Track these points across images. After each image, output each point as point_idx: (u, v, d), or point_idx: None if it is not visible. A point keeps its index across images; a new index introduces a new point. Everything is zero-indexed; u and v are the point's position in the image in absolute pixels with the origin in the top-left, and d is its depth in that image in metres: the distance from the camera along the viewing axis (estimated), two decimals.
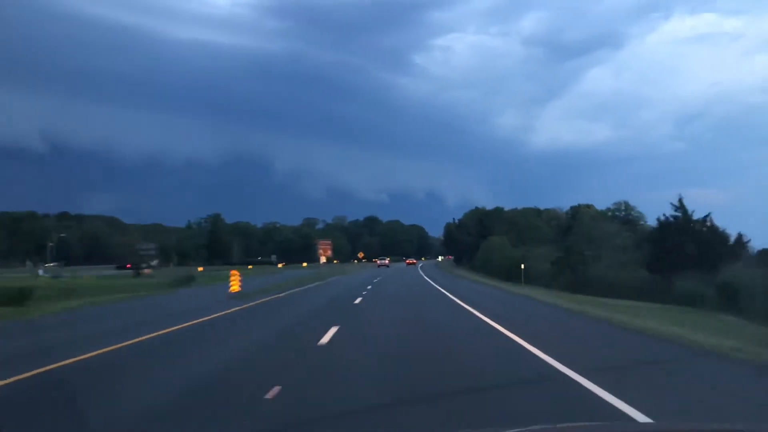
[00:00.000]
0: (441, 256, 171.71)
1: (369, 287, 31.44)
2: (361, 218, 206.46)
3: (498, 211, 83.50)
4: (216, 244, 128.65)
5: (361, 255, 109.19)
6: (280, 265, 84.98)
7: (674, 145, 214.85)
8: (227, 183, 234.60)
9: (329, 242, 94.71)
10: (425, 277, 45.85)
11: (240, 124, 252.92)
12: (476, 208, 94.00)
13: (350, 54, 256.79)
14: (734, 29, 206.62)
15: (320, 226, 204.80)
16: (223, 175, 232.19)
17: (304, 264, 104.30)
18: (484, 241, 66.22)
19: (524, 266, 44.38)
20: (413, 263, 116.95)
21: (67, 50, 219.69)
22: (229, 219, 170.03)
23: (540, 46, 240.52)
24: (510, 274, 47.41)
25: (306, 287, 34.65)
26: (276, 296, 26.92)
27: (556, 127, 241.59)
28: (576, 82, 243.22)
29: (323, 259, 75.02)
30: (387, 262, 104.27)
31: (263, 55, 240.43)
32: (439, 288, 30.84)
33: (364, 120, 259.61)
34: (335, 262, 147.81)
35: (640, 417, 5.58)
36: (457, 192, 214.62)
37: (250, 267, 72.83)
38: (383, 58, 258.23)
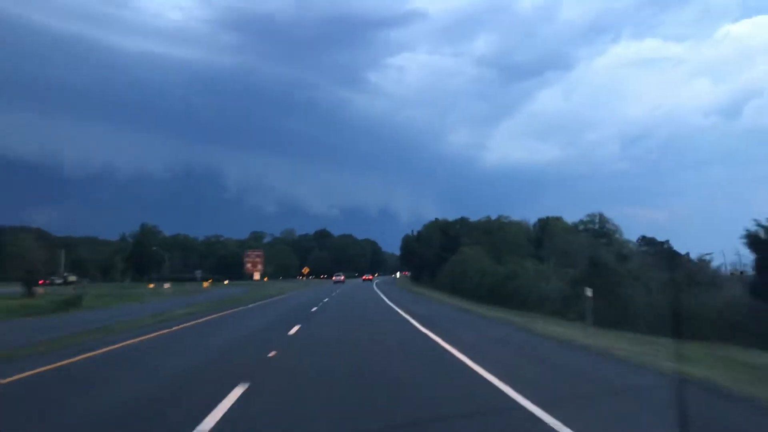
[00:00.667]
0: (398, 272, 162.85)
1: (296, 329, 18.74)
2: (311, 232, 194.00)
3: (463, 221, 72.70)
4: (142, 257, 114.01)
5: (306, 270, 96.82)
6: (206, 284, 72.40)
7: (619, 165, 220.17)
8: (173, 196, 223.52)
9: (260, 252, 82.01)
10: (388, 302, 34.38)
11: (190, 137, 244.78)
12: (437, 219, 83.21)
13: (304, 70, 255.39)
14: (676, 54, 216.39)
15: (268, 239, 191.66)
16: (169, 189, 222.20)
17: (226, 282, 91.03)
18: (454, 255, 55.21)
19: (516, 287, 33.59)
20: (370, 279, 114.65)
21: (4, 57, 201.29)
22: (171, 232, 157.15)
23: (492, 67, 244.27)
24: (494, 297, 36.36)
25: (195, 322, 22.11)
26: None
27: (507, 146, 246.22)
28: (526, 103, 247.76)
29: (256, 275, 62.67)
30: (342, 278, 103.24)
31: (216, 69, 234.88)
32: (421, 327, 18.83)
33: (318, 136, 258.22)
34: (280, 278, 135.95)
35: None
36: (410, 208, 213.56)
37: (167, 286, 59.39)
38: (337, 75, 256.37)
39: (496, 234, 59.15)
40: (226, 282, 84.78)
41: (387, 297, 40.46)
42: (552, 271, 33.06)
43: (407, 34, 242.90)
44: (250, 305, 32.47)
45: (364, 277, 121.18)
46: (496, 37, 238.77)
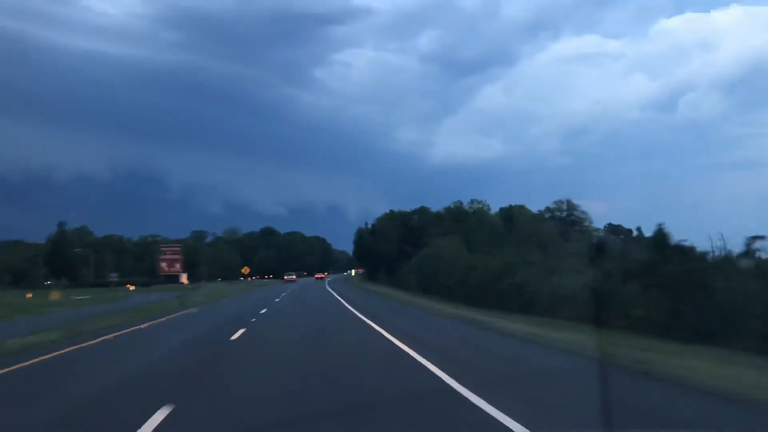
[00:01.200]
0: (353, 269, 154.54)
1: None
2: (256, 230, 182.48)
3: (425, 211, 64.27)
4: (58, 260, 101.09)
5: (245, 270, 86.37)
6: (131, 287, 61.54)
7: (561, 159, 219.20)
8: (113, 197, 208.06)
9: (177, 248, 70.67)
10: (354, 312, 25.60)
11: (132, 137, 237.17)
12: (392, 211, 74.34)
13: (249, 67, 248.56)
14: (614, 50, 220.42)
15: (210, 239, 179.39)
16: (109, 190, 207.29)
17: (131, 286, 76.63)
18: (420, 249, 46.69)
19: (518, 284, 25.23)
20: (322, 277, 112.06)
21: None
22: (110, 233, 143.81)
23: (436, 63, 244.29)
24: (484, 297, 27.88)
25: None
26: None
27: (453, 142, 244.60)
28: (471, 99, 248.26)
29: (184, 278, 52.45)
30: (294, 277, 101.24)
31: (158, 66, 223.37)
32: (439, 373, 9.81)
33: (265, 134, 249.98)
34: (218, 280, 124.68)
35: None
36: (359, 206, 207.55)
37: (79, 299, 47.71)
38: (283, 71, 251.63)
39: (468, 222, 50.91)
40: (131, 287, 70.89)
41: (350, 303, 31.51)
42: (568, 265, 24.69)
43: (352, 31, 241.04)
44: (143, 325, 22.28)
45: (316, 276, 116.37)
46: (441, 34, 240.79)
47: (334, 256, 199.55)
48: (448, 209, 62.06)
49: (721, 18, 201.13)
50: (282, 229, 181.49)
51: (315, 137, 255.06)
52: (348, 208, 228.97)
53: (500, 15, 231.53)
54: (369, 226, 76.57)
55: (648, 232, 33.98)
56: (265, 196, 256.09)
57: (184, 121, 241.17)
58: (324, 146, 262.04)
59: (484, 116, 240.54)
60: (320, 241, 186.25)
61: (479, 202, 59.82)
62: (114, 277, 56.44)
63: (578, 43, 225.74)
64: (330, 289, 52.93)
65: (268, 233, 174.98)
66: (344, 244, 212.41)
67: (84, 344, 15.41)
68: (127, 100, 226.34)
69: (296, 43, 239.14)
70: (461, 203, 60.61)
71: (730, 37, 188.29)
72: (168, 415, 6.92)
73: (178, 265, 54.97)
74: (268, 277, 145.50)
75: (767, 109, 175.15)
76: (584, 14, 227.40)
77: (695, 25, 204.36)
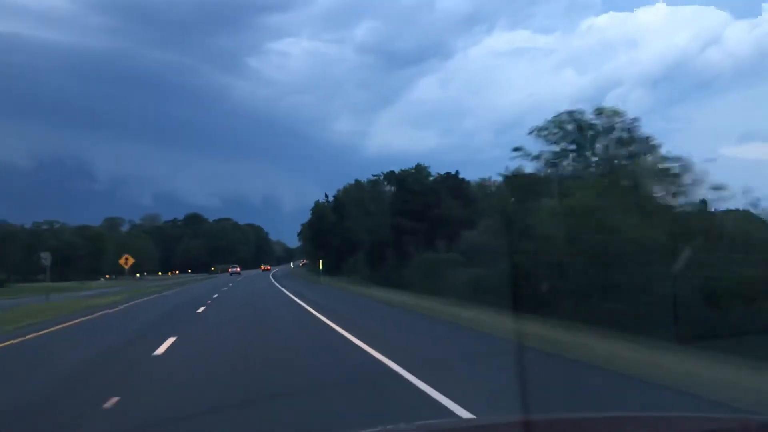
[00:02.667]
0: (299, 261, 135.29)
1: None
2: (180, 217, 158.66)
3: (421, 169, 45.02)
4: None
5: (125, 262, 63.89)
6: None
7: (494, 152, 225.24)
8: (32, 186, 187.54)
9: None
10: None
11: (57, 124, 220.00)
12: (357, 181, 54.65)
13: (182, 55, 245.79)
14: (546, 45, 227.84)
15: (126, 227, 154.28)
16: (28, 178, 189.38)
17: None
18: (529, 212, 26.25)
19: None
20: (268, 269, 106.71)
21: None
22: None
23: (373, 54, 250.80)
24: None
25: None
26: None
27: (389, 134, 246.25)
28: (407, 91, 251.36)
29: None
30: (238, 270, 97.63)
31: (87, 52, 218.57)
32: None
33: (197, 123, 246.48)
34: (138, 276, 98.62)
35: None
36: (295, 197, 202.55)
37: None
38: (217, 60, 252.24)
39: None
40: None
41: (357, 335, 12.68)
42: None
43: (289, 19, 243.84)
44: None
45: (263, 267, 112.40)
46: (378, 24, 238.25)
47: (270, 247, 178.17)
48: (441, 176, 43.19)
49: (646, 16, 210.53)
50: (211, 216, 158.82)
51: (249, 127, 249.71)
52: (284, 199, 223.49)
53: (437, 7, 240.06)
54: (330, 199, 56.94)
55: None
56: (197, 187, 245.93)
57: (112, 110, 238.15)
58: (258, 137, 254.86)
59: (419, 108, 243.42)
60: (255, 230, 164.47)
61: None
62: None
63: (511, 38, 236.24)
64: (284, 290, 34.31)
65: (194, 221, 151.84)
66: (281, 236, 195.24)
67: None
68: (51, 87, 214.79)
69: (232, 31, 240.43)
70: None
71: (655, 35, 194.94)
72: None
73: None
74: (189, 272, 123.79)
75: (689, 105, 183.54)
76: (517, 9, 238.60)
77: (622, 22, 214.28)
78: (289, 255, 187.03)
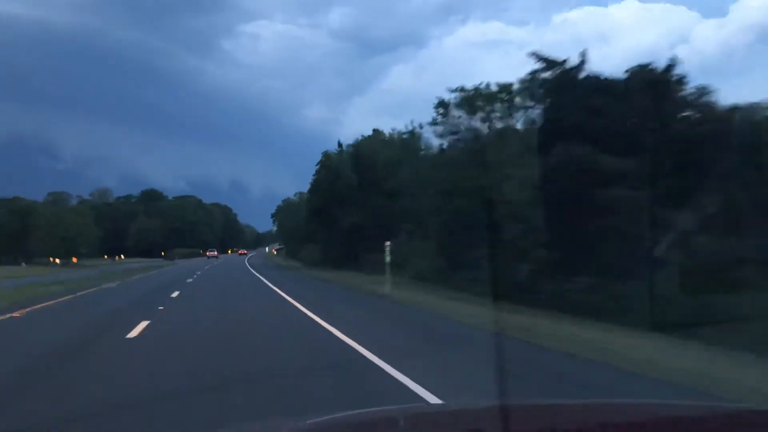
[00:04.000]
0: (272, 246, 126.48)
1: None
2: (136, 193, 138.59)
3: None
4: None
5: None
6: None
7: None
8: None
9: None
10: None
11: (21, 101, 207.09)
12: (376, 131, 37.05)
13: (153, 35, 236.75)
14: (518, 38, 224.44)
15: (75, 202, 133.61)
16: None
17: None
18: None
19: None
20: (244, 254, 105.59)
21: None
22: None
23: (348, 41, 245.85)
24: None
25: None
26: None
27: (362, 122, 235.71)
28: (380, 79, 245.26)
29: None
30: (216, 254, 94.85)
31: (53, 29, 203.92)
32: None
33: (165, 105, 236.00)
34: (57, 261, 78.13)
35: None
36: (264, 183, 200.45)
37: None
38: (189, 41, 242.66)
39: None
40: None
41: None
42: None
43: (262, 1, 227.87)
44: None
45: (240, 252, 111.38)
46: (353, 10, 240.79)
47: (239, 230, 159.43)
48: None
49: (618, 12, 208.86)
50: (171, 194, 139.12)
51: (220, 111, 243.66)
52: (253, 185, 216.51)
53: None
54: (346, 149, 37.96)
55: None
56: (164, 169, 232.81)
57: (78, 88, 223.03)
58: (229, 120, 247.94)
59: (392, 97, 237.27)
60: (223, 211, 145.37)
61: None
62: None
63: (484, 30, 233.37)
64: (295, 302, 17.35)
65: (151, 197, 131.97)
66: (249, 220, 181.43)
67: None
68: (14, 62, 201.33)
69: (204, 12, 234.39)
70: None
71: (626, 31, 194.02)
72: None
73: None
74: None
75: None
76: (493, 1, 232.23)
77: (594, 17, 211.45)
78: (258, 240, 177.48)
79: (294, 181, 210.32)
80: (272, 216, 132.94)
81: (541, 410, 2.35)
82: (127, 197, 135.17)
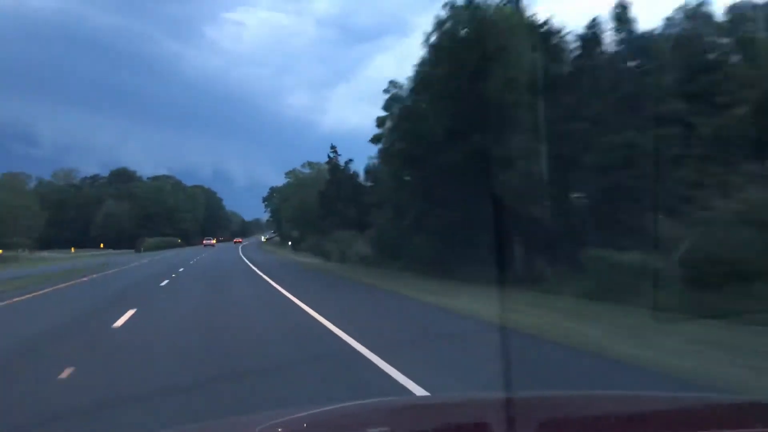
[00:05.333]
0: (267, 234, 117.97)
1: None
2: (104, 174, 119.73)
3: None
4: None
5: None
6: None
7: None
8: None
9: None
10: None
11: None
12: None
13: (134, 19, 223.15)
14: None
15: (34, 183, 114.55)
16: None
17: None
18: None
19: None
20: (240, 242, 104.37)
21: None
22: None
23: (333, 28, 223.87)
24: None
25: None
26: None
27: (345, 110, 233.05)
28: (364, 67, 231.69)
29: None
30: (213, 242, 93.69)
31: (30, 12, 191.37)
32: None
33: (147, 92, 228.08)
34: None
35: None
36: (248, 170, 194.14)
37: None
38: (171, 27, 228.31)
39: None
40: None
41: None
42: None
43: None
44: None
45: (235, 240, 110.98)
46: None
47: (225, 217, 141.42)
48: None
49: None
50: (147, 175, 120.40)
51: (203, 98, 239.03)
52: (237, 173, 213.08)
53: None
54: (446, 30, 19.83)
55: None
56: (145, 156, 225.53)
57: (57, 73, 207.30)
58: (212, 108, 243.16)
59: (376, 85, 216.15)
60: (206, 195, 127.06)
61: None
62: None
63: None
64: None
65: (122, 178, 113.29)
66: (234, 209, 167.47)
67: None
68: None
69: None
70: None
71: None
72: None
73: None
74: (102, 247, 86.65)
75: None
76: None
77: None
78: (243, 228, 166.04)
79: (277, 168, 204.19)
80: (264, 200, 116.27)
81: (545, 402, 2.35)
82: (94, 178, 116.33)
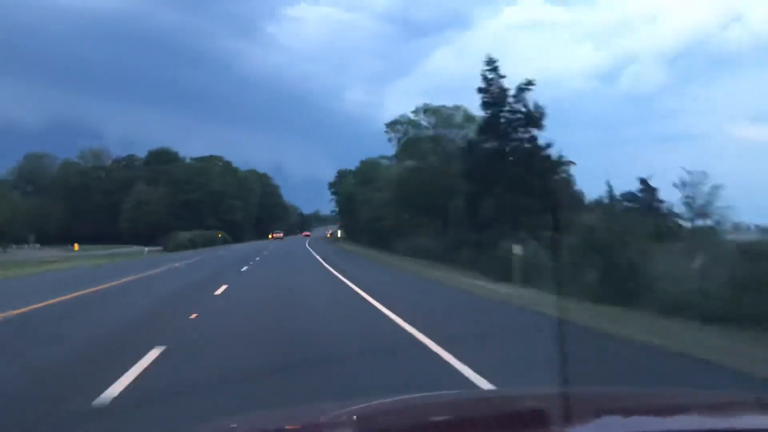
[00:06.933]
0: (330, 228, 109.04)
1: None
2: (140, 155, 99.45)
3: None
4: None
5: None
6: None
7: None
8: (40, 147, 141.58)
9: None
10: None
11: (68, 87, 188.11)
12: None
13: (198, 17, 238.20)
14: (564, 19, 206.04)
15: (58, 165, 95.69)
16: (35, 140, 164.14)
17: None
18: None
19: None
20: (308, 235, 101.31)
21: None
22: None
23: (392, 23, 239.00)
24: None
25: None
26: None
27: (403, 105, 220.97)
28: (423, 61, 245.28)
29: None
30: (281, 235, 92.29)
31: (100, 13, 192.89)
32: None
33: (206, 88, 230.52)
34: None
35: None
36: (304, 165, 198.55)
37: None
38: (232, 24, 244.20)
39: None
40: None
41: None
42: None
43: None
44: None
45: (304, 234, 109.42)
46: None
47: (283, 207, 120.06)
48: None
49: None
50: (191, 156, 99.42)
51: (260, 93, 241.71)
52: (293, 167, 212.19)
53: None
54: None
55: None
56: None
57: (122, 72, 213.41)
58: (269, 104, 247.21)
59: (434, 80, 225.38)
60: (261, 180, 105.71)
61: None
62: None
63: (531, 11, 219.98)
64: None
65: (161, 159, 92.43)
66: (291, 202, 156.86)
67: None
68: (69, 49, 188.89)
69: None
70: None
71: (675, 8, 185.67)
72: None
73: None
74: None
75: (705, 83, 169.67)
76: None
77: None
78: (302, 222, 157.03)
79: (332, 163, 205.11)
80: (330, 186, 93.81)
81: (599, 397, 2.39)
82: (129, 159, 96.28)
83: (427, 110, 33.82)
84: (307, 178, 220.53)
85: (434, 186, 30.71)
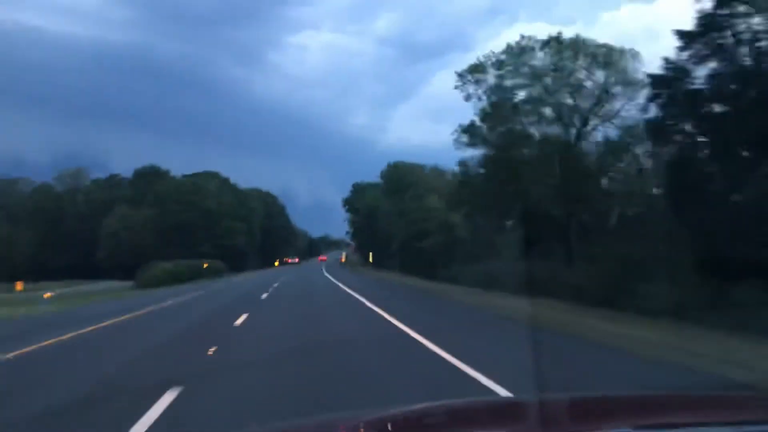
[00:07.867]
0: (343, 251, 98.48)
1: None
2: (126, 174, 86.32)
3: None
4: None
5: None
6: None
7: None
8: None
9: None
10: None
11: (75, 119, 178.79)
12: None
13: (201, 48, 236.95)
14: (566, 36, 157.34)
15: (29, 189, 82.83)
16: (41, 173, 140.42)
17: None
18: None
19: None
20: (324, 260, 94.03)
21: None
22: None
23: (393, 47, 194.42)
24: None
25: None
26: None
27: (406, 128, 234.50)
28: (426, 84, 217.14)
29: None
30: (297, 260, 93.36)
31: (106, 45, 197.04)
32: None
33: (215, 116, 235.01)
34: None
35: None
36: (309, 190, 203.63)
37: None
38: (237, 53, 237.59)
39: None
40: None
41: None
42: None
43: (309, 12, 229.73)
44: None
45: (320, 258, 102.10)
46: (399, 16, 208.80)
47: (290, 231, 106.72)
48: None
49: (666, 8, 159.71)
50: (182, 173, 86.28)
51: (264, 120, 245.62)
52: (299, 191, 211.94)
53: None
54: None
55: None
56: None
57: (134, 104, 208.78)
58: (273, 130, 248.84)
59: (436, 103, 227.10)
60: (264, 197, 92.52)
61: None
62: None
63: (531, 31, 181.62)
64: None
65: (147, 178, 79.16)
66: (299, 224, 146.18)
67: None
68: (75, 81, 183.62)
69: (251, 24, 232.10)
70: None
71: (674, 26, 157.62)
72: None
73: None
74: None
75: None
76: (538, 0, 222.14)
77: (641, 15, 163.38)
78: (311, 247, 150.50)
79: (337, 188, 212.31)
80: (344, 203, 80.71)
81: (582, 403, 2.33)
82: (110, 179, 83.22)
83: (550, 42, 20.17)
84: (312, 202, 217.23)
85: (570, 172, 17.55)
